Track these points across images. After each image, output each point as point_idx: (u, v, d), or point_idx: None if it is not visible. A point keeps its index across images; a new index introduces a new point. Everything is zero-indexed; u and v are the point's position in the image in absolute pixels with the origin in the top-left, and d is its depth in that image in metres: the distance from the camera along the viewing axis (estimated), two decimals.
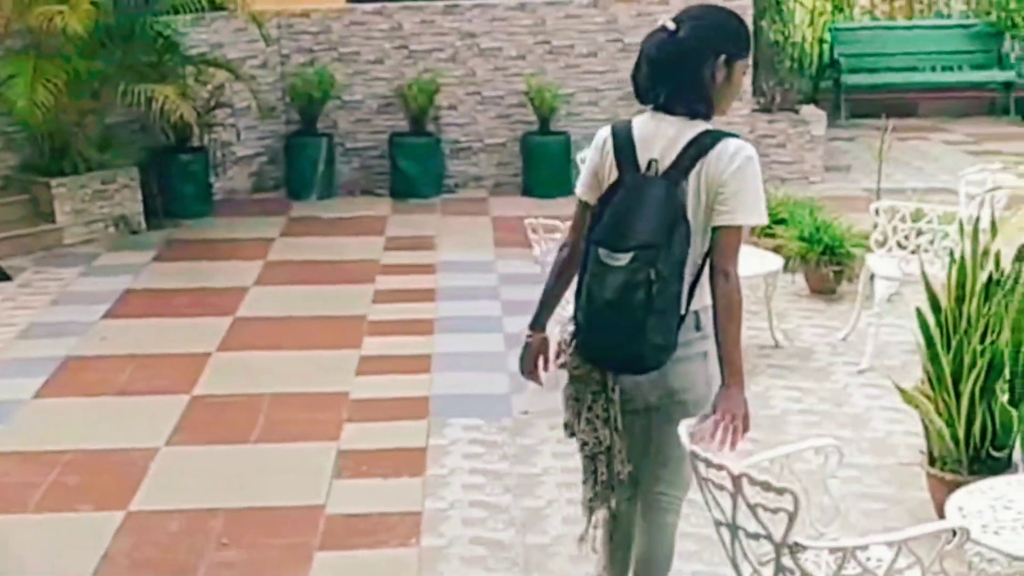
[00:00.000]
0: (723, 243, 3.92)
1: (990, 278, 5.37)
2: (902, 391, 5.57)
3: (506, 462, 6.31)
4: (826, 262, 8.70)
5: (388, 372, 7.58)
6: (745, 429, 3.96)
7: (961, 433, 5.34)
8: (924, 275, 5.68)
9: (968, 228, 5.49)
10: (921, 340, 5.44)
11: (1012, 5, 15.79)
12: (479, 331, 8.29)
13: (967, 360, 5.23)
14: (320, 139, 12.09)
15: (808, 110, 12.81)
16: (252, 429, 6.76)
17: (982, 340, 5.20)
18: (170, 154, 11.53)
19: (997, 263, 5.40)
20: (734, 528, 3.73)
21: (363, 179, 12.37)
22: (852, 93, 15.67)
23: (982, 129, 15.14)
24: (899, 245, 7.47)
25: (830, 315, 8.43)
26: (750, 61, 4.21)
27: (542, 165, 11.98)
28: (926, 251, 7.24)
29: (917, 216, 7.47)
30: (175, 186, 11.42)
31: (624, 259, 3.88)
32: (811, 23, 16.16)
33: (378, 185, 12.30)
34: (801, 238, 8.73)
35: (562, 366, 4.18)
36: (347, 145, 12.36)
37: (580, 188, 4.19)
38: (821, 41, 16.20)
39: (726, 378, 3.95)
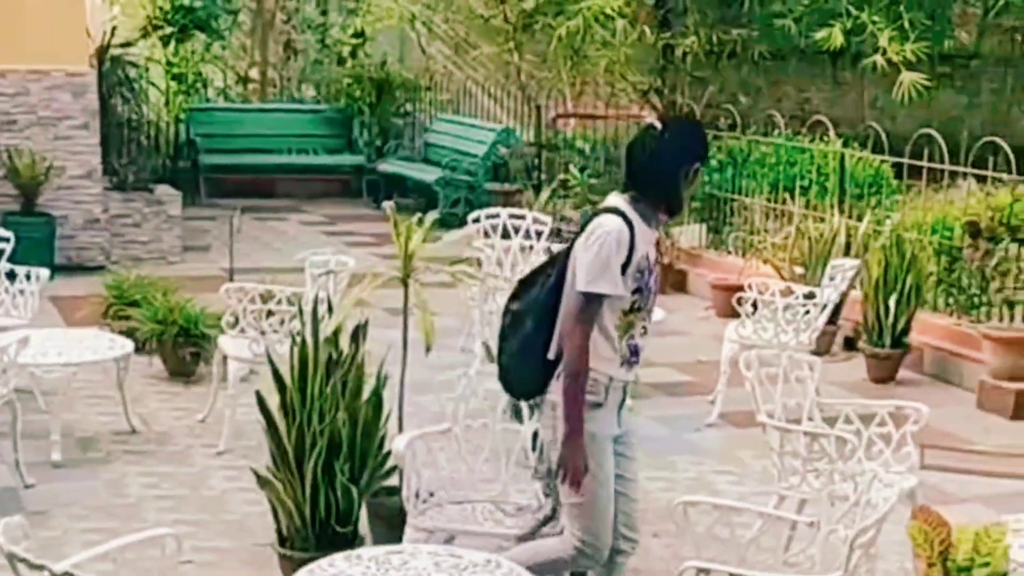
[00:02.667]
0: (572, 306, 4.52)
1: (330, 357, 5.48)
2: (256, 473, 5.57)
3: None
4: (182, 344, 8.61)
5: None
6: (575, 479, 4.52)
7: (307, 511, 5.40)
8: (269, 356, 5.72)
9: (308, 309, 5.59)
10: (263, 422, 5.46)
11: (358, 93, 16.53)
12: None
13: (308, 440, 5.30)
14: None
15: (163, 189, 12.72)
16: None
17: (322, 419, 5.30)
18: None
19: (336, 343, 5.52)
20: None
21: None
22: (211, 173, 15.75)
23: (337, 210, 15.66)
24: (251, 326, 7.51)
25: (189, 397, 8.34)
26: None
27: None
28: (276, 332, 7.31)
29: (267, 297, 7.54)
30: None
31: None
32: (167, 102, 16.14)
33: None
34: (155, 320, 8.60)
35: None
36: None
37: None
38: (178, 120, 16.20)
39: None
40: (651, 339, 4.79)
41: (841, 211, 10.71)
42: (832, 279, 8.50)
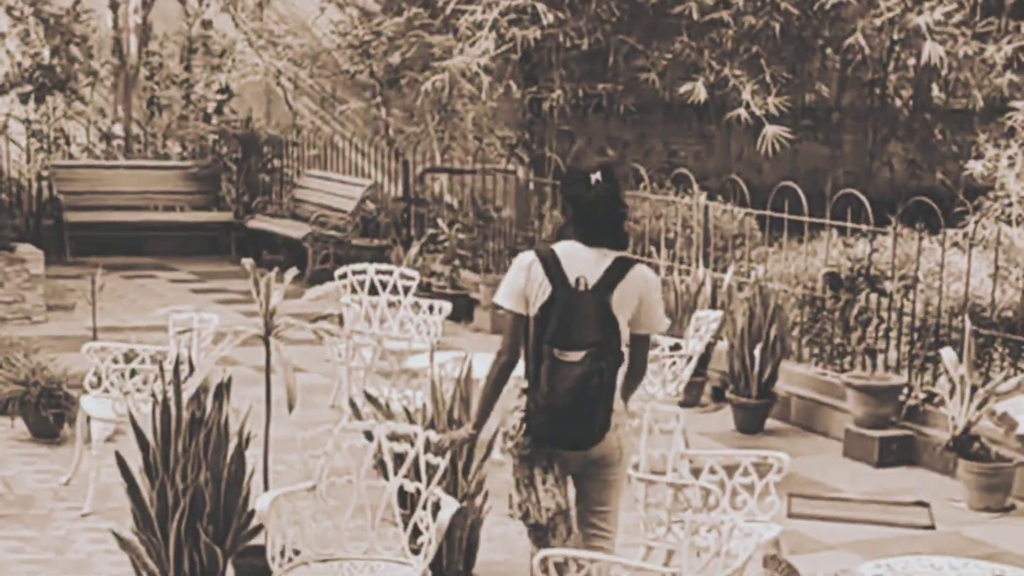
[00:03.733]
0: (646, 345, 5.11)
1: (193, 417, 5.41)
2: (117, 536, 5.47)
3: None
4: (45, 405, 8.46)
5: None
6: None
7: (171, 573, 5.31)
8: (131, 417, 5.65)
9: (168, 367, 5.52)
10: (125, 483, 5.37)
11: (224, 150, 16.44)
12: None
13: (171, 500, 5.22)
14: None
15: (25, 248, 12.47)
16: None
17: (184, 479, 5.22)
18: None
19: (199, 402, 5.45)
20: None
21: None
22: (76, 231, 15.51)
23: (206, 267, 15.50)
24: (114, 386, 7.39)
25: (54, 459, 8.18)
26: None
27: None
28: (140, 391, 7.20)
29: (130, 356, 7.42)
30: None
31: (577, 356, 4.83)
32: (28, 160, 15.90)
33: None
34: (17, 381, 8.46)
35: (513, 447, 4.96)
36: None
37: (512, 303, 4.99)
38: (40, 178, 15.95)
39: None
40: (512, 393, 4.95)
41: (706, 263, 10.85)
42: (697, 331, 8.60)
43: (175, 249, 16.25)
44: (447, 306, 9.12)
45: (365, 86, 16.17)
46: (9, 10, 16.33)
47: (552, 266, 4.93)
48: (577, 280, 4.89)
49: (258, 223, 15.93)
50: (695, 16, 12.74)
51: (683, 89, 12.97)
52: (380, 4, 15.24)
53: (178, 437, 5.40)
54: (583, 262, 4.92)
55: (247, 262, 5.83)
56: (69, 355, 9.04)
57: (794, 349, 9.88)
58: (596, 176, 4.94)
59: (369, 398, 6.19)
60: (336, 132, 17.39)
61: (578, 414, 4.86)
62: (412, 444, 5.18)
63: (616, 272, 4.92)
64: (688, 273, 10.70)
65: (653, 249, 11.42)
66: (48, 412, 8.49)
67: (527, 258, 4.99)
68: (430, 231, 13.65)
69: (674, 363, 8.23)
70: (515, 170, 14.84)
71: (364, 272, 9.56)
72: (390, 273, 9.55)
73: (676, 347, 8.24)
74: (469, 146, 15.51)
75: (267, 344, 5.44)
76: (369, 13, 15.48)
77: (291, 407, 5.37)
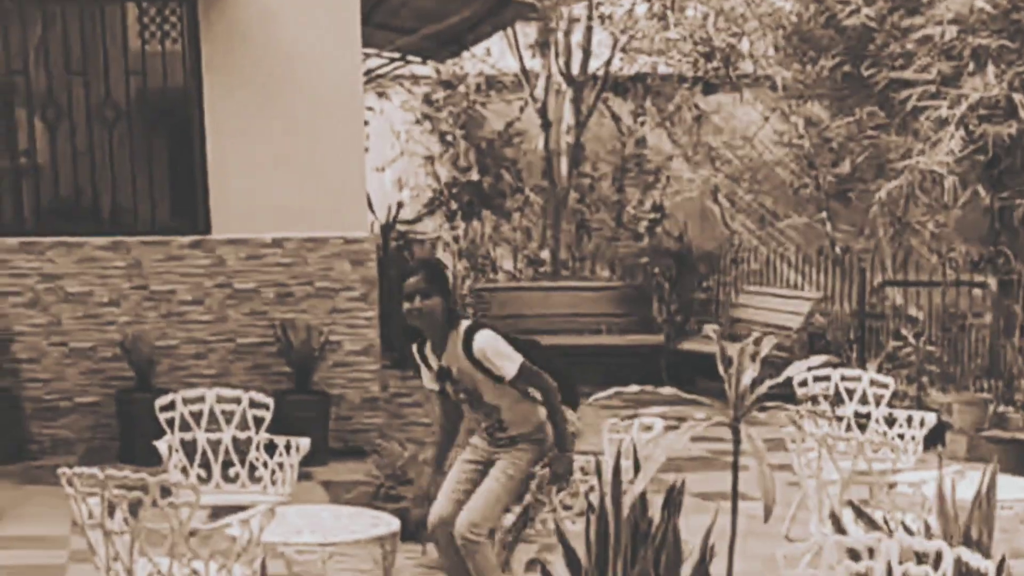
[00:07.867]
0: None
1: (636, 529, 4.19)
2: None
3: None
4: None
5: None
6: None
7: None
8: (560, 533, 4.64)
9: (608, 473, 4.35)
10: None
11: (656, 270, 15.68)
12: None
13: None
14: None
15: None
16: None
17: None
18: None
19: (644, 511, 4.25)
20: None
21: None
22: None
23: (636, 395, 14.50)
24: None
25: None
26: None
27: (142, 426, 10.33)
28: (567, 508, 6.19)
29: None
30: None
31: None
32: (455, 284, 15.56)
33: None
34: (432, 500, 7.55)
35: None
36: None
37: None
38: (464, 304, 15.55)
39: None
40: None
41: None
42: None
43: (600, 374, 15.25)
44: (930, 417, 7.51)
45: (809, 199, 14.92)
46: (442, 136, 16.23)
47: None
48: None
49: (692, 345, 14.72)
50: None
51: None
52: (828, 110, 13.98)
53: (617, 555, 4.20)
54: None
55: (711, 328, 4.73)
56: None
57: None
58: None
59: (857, 511, 4.76)
60: (774, 250, 16.16)
61: None
62: (936, 567, 3.73)
63: None
64: None
65: None
66: None
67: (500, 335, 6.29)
68: (893, 343, 12.08)
69: None
70: (987, 282, 13.08)
71: (827, 379, 8.07)
72: (858, 379, 8.04)
73: None
74: (923, 264, 13.94)
75: (735, 432, 4.14)
76: (815, 123, 14.27)
77: (767, 512, 4.01)
